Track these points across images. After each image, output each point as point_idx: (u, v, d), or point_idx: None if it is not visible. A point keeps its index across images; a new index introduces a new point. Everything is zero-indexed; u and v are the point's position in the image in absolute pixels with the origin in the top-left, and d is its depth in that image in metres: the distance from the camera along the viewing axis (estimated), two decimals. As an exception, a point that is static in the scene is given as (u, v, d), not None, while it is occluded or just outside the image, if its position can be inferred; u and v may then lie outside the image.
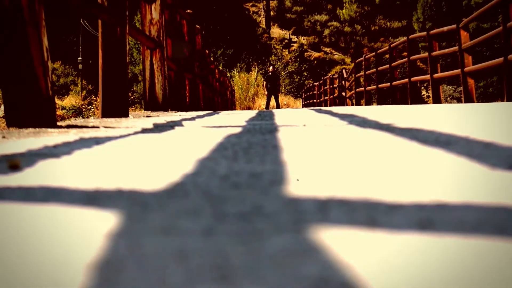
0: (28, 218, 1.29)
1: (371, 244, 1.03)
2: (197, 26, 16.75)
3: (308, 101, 42.48)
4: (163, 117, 6.91)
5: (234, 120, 5.64)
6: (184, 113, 9.66)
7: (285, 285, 0.82)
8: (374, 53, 21.28)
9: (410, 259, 0.94)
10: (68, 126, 4.44)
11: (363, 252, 0.99)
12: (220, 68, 35.50)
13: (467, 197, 1.41)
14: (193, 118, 6.47)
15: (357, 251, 0.99)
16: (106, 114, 7.05)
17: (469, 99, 12.51)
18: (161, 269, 0.89)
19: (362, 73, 22.83)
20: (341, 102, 27.81)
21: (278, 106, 31.11)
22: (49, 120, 4.29)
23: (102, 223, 1.21)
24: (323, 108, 12.28)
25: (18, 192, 1.58)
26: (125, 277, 0.86)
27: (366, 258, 0.96)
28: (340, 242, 1.04)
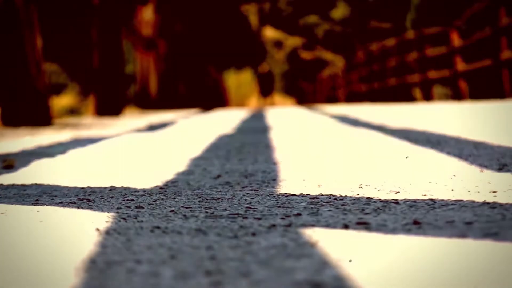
0: (21, 216, 1.30)
1: (361, 243, 1.04)
2: (191, 26, 16.74)
3: (301, 101, 42.47)
4: (157, 116, 6.91)
5: (227, 119, 5.65)
6: (178, 111, 9.66)
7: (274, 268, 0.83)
8: (366, 53, 21.30)
9: (398, 255, 0.95)
10: (63, 125, 4.45)
11: (353, 249, 1.00)
12: (214, 67, 35.45)
13: (456, 196, 1.42)
14: (186, 117, 6.48)
15: (349, 252, 1.01)
16: (100, 113, 7.06)
17: (460, 99, 12.55)
18: (153, 265, 0.90)
19: (354, 72, 22.87)
20: (334, 101, 27.83)
21: (271, 106, 31.11)
22: (44, 119, 4.30)
23: (95, 221, 1.22)
24: (316, 107, 12.29)
25: (12, 191, 1.59)
26: (118, 268, 0.87)
27: (357, 254, 0.97)
28: (331, 245, 1.05)
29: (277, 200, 1.41)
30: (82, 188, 1.63)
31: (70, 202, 1.43)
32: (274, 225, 1.16)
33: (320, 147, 2.58)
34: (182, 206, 1.35)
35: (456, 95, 12.82)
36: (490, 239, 1.03)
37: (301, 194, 1.49)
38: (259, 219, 1.22)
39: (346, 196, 1.45)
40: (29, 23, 4.17)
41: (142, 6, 10.24)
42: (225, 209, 1.32)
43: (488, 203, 1.33)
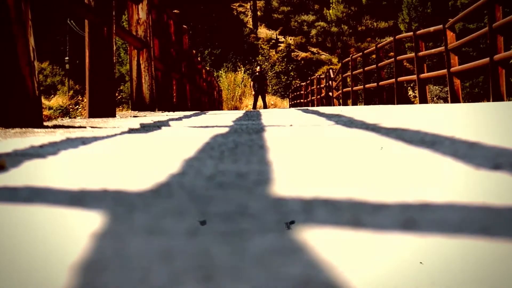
0: (12, 218, 1.29)
1: (355, 243, 1.04)
2: (184, 26, 16.73)
3: (295, 101, 42.53)
4: (150, 117, 6.90)
5: (221, 120, 5.64)
6: (171, 113, 9.65)
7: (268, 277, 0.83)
8: (361, 53, 21.33)
9: (391, 254, 0.95)
10: (55, 126, 4.44)
11: (347, 249, 0.99)
12: (207, 68, 35.48)
13: (452, 197, 1.42)
14: (180, 118, 6.47)
15: (342, 252, 1.00)
16: (93, 114, 7.04)
17: (455, 99, 12.57)
18: (145, 269, 0.89)
19: (349, 73, 22.89)
20: (328, 102, 27.87)
21: (265, 106, 31.13)
22: (35, 120, 4.28)
23: (87, 224, 1.21)
24: (310, 108, 12.30)
25: (3, 192, 1.58)
26: (109, 275, 0.86)
27: (352, 255, 0.96)
28: (324, 246, 1.05)
29: (270, 201, 1.41)
30: (74, 189, 1.62)
31: (62, 203, 1.42)
32: (267, 226, 1.15)
33: (314, 148, 2.57)
34: (174, 207, 1.34)
35: (451, 95, 12.85)
36: (484, 238, 1.03)
37: (294, 195, 1.48)
38: (252, 220, 1.21)
39: (340, 197, 1.44)
40: (21, 22, 4.15)
41: (136, 5, 10.23)
42: (218, 210, 1.31)
43: (482, 203, 1.32)
